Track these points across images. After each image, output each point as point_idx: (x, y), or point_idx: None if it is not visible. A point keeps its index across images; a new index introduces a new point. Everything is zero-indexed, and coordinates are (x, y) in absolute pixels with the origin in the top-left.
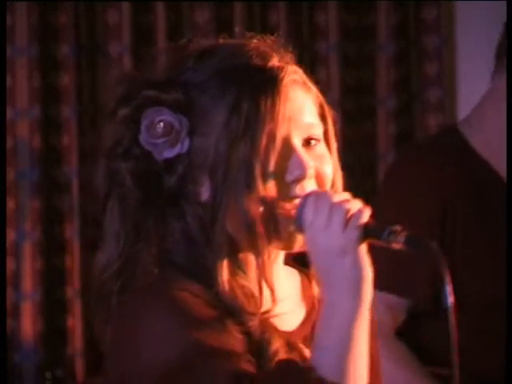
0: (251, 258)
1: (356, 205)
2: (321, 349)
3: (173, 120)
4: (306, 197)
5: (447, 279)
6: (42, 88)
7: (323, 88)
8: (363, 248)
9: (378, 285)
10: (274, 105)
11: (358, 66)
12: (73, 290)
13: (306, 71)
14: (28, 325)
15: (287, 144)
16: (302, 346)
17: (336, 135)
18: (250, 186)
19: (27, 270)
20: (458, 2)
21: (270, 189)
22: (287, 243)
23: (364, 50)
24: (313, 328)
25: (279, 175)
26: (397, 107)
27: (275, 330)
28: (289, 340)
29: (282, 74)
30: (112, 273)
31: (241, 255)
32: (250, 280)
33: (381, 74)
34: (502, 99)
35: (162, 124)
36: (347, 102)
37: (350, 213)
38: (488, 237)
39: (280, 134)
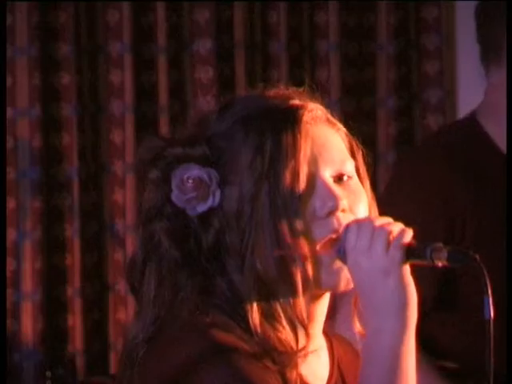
0: (286, 300)
1: (398, 226)
2: (367, 373)
3: (201, 174)
4: (348, 225)
5: (489, 292)
6: (42, 87)
7: (323, 88)
8: (407, 269)
9: None
10: (295, 142)
11: (358, 66)
12: (73, 290)
13: (306, 72)
14: (28, 324)
15: (315, 180)
16: None
17: (368, 173)
18: (276, 225)
19: (27, 269)
20: (457, 2)
21: (301, 227)
22: (331, 282)
23: (364, 50)
24: None
25: (310, 212)
26: (397, 107)
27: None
28: None
29: (302, 111)
30: (143, 338)
31: (274, 297)
32: (284, 322)
33: (381, 74)
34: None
35: (191, 180)
36: (347, 102)
37: (393, 234)
38: (499, 225)
39: (305, 171)
